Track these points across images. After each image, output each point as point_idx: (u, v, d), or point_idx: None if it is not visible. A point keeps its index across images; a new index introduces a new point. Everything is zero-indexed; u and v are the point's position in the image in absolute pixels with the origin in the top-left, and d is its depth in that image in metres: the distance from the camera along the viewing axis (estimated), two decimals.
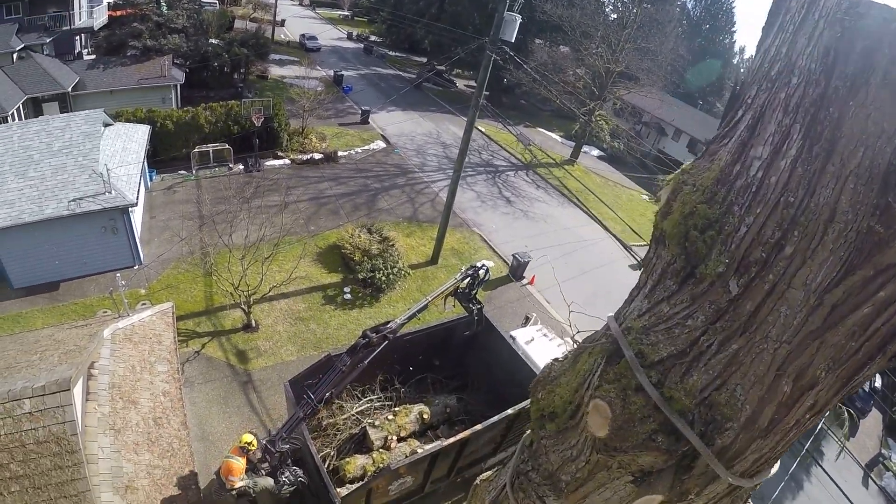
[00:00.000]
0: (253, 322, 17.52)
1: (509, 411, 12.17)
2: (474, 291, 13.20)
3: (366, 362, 10.59)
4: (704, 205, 1.79)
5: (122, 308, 12.59)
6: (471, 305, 13.33)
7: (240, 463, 9.92)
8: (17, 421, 8.29)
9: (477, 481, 4.10)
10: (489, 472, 4.14)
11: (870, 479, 23.84)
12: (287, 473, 10.33)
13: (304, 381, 11.20)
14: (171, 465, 10.13)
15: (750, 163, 1.71)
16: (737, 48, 69.96)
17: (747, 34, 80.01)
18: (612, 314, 2.38)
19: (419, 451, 12.14)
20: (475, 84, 55.21)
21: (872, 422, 28.87)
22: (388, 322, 10.99)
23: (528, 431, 3.05)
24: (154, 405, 10.74)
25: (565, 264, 27.47)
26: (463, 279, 12.79)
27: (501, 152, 39.29)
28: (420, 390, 15.01)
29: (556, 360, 2.71)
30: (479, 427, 11.68)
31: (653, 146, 52.02)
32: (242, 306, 16.95)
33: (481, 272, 12.83)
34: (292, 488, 10.32)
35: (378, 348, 10.63)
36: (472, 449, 12.39)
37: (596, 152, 47.29)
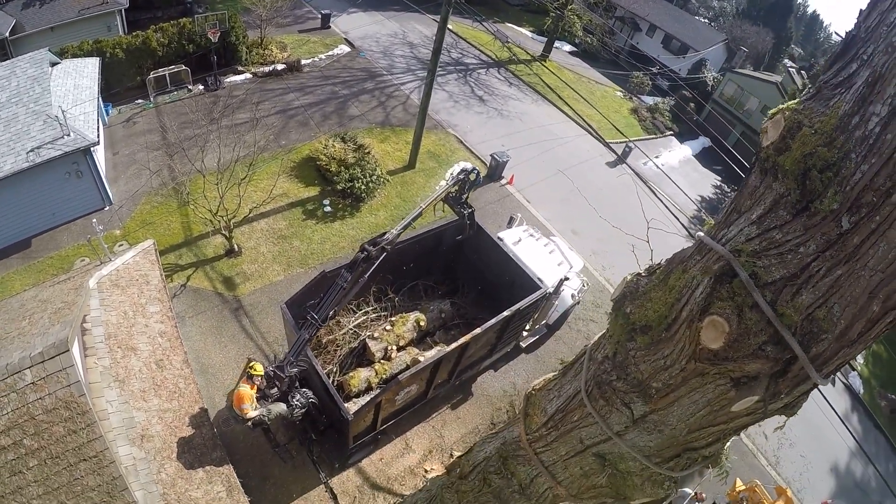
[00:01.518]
0: (235, 246, 17.31)
1: (506, 313, 12.45)
2: (465, 196, 13.11)
3: (366, 276, 10.57)
4: (824, 148, 2.04)
5: (102, 254, 12.17)
6: (462, 210, 13.26)
7: (249, 391, 10.04)
8: (22, 394, 8.05)
9: (530, 390, 4.32)
10: (541, 381, 4.35)
11: (836, 377, 25.30)
12: (298, 396, 10.50)
13: (300, 301, 11.24)
14: (181, 405, 10.21)
15: (868, 117, 1.94)
16: None
17: None
18: (703, 233, 2.66)
19: (420, 359, 12.51)
20: None
21: None
22: (384, 233, 10.91)
23: (604, 343, 3.23)
24: (153, 348, 10.68)
25: (543, 162, 27.41)
26: (454, 184, 12.63)
27: (471, 50, 37.95)
28: (413, 297, 15.26)
29: (639, 275, 3.00)
30: (478, 331, 12.02)
31: (626, 41, 50.70)
32: (223, 232, 16.64)
33: (472, 176, 12.67)
34: (303, 410, 10.55)
35: (377, 261, 10.59)
36: (470, 352, 12.83)
37: (568, 48, 46.00)
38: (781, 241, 2.23)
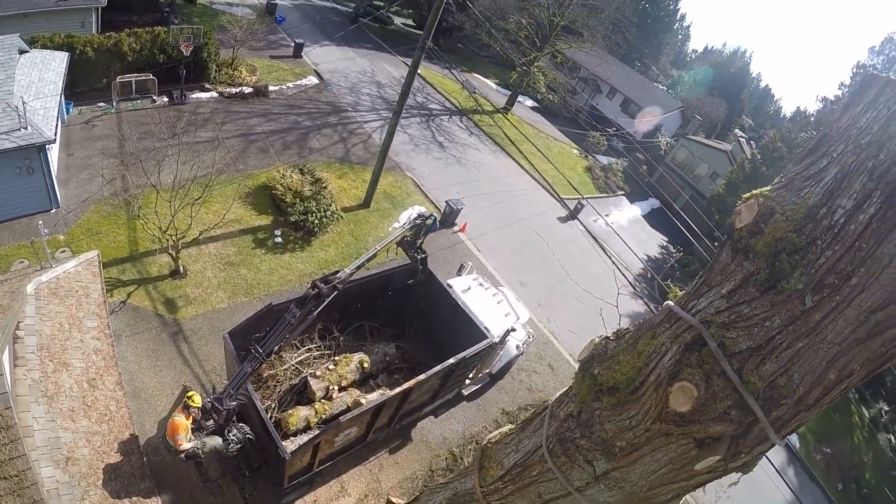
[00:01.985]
0: (181, 268, 16.77)
1: (451, 360, 12.51)
2: (420, 241, 13.22)
3: (315, 314, 10.43)
4: (794, 234, 2.28)
5: (43, 258, 11.59)
6: (415, 254, 13.35)
7: (185, 422, 9.62)
8: None
9: (486, 443, 4.34)
10: (496, 434, 4.38)
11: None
12: (234, 431, 10.08)
13: (244, 333, 10.98)
14: (111, 429, 9.67)
15: (835, 209, 2.20)
16: (679, 14, 71.32)
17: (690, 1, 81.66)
18: (672, 303, 2.87)
19: (362, 401, 12.32)
20: (413, 23, 53.76)
21: None
22: (337, 272, 10.86)
23: (567, 402, 3.34)
24: (87, 365, 10.13)
25: (496, 213, 27.90)
26: (410, 228, 12.72)
27: (436, 95, 38.77)
28: (358, 338, 15.07)
29: (607, 338, 3.21)
30: (422, 377, 12.03)
31: (587, 102, 52.71)
32: (170, 251, 16.12)
33: (428, 221, 12.82)
34: (239, 445, 10.15)
35: (328, 299, 10.49)
36: (413, 397, 12.75)
37: (530, 102, 47.58)
38: (749, 315, 2.43)
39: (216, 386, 14.00)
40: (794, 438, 26.91)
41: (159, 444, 10.90)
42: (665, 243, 37.37)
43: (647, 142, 46.46)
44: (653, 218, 39.55)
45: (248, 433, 10.19)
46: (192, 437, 9.75)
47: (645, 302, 25.33)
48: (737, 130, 54.70)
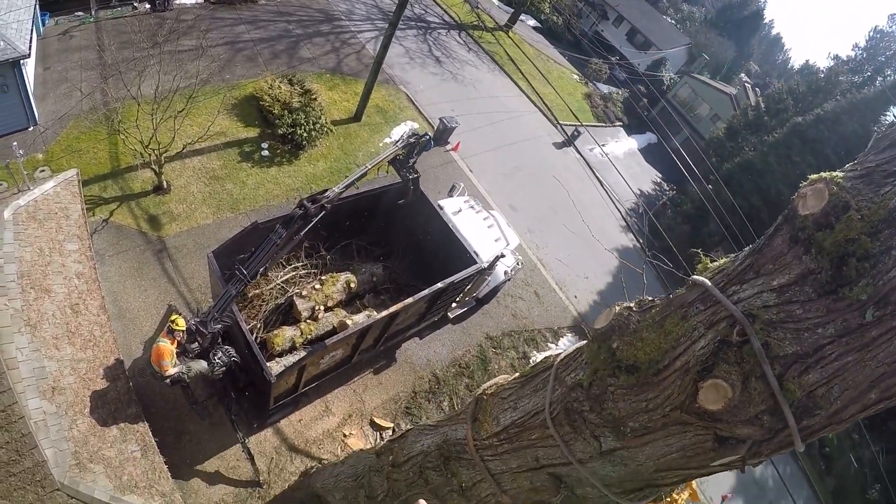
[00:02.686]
0: (164, 183, 16.10)
1: (439, 285, 12.28)
2: (412, 160, 12.68)
3: (301, 234, 10.03)
4: (868, 237, 2.02)
5: (20, 180, 10.99)
6: (407, 174, 12.86)
7: (170, 346, 9.39)
8: None
9: (480, 393, 4.15)
10: (491, 385, 4.18)
11: None
12: (220, 354, 9.94)
13: (228, 252, 10.59)
14: (95, 355, 9.46)
15: None
16: None
17: None
18: (707, 281, 2.61)
19: (348, 322, 12.18)
20: None
21: None
22: (326, 191, 10.30)
23: (576, 369, 3.14)
24: (69, 290, 9.80)
25: (490, 133, 27.25)
26: (403, 147, 12.19)
27: (435, 8, 36.98)
28: (345, 257, 14.75)
29: (630, 308, 2.93)
30: (410, 300, 11.81)
31: (592, 27, 50.74)
32: (153, 166, 15.39)
33: (423, 140, 12.25)
34: (224, 368, 10.05)
35: (315, 219, 10.04)
36: (399, 320, 12.63)
37: (532, 22, 45.71)
38: (801, 318, 2.21)
39: (201, 306, 13.81)
40: None
41: (145, 367, 10.77)
42: (659, 179, 37.06)
43: (651, 74, 45.10)
44: (649, 153, 39.06)
45: (233, 356, 10.08)
46: (178, 362, 9.61)
47: (635, 236, 25.27)
48: (742, 75, 53.23)
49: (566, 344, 20.08)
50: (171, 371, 9.37)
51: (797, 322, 2.20)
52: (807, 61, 67.00)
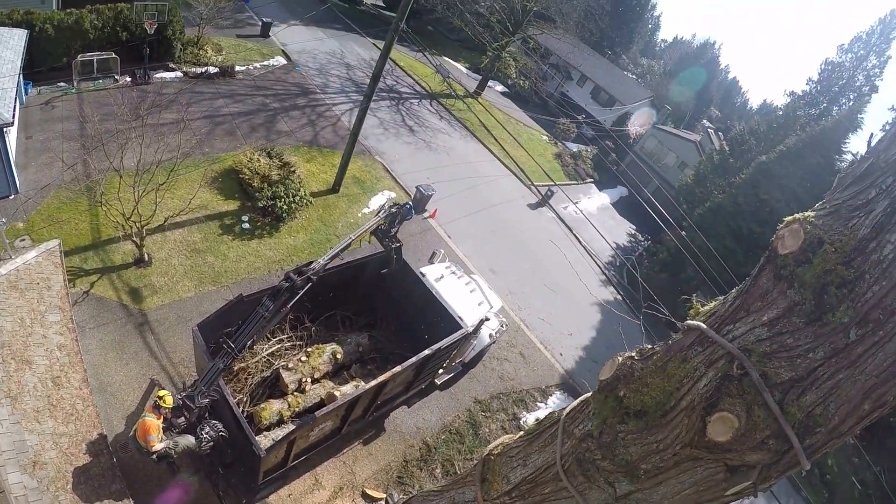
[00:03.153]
0: (146, 256, 16.12)
1: (427, 352, 12.30)
2: (395, 230, 12.90)
3: (289, 307, 10.05)
4: (842, 266, 2.27)
5: (2, 249, 10.96)
6: (390, 244, 13.05)
7: (156, 422, 9.25)
8: None
9: (487, 454, 4.16)
10: (497, 445, 4.20)
11: None
12: (207, 429, 9.73)
13: (213, 325, 10.55)
14: (78, 430, 9.24)
15: (884, 244, 2.22)
16: (650, 3, 71.76)
17: None
18: (702, 325, 2.81)
19: (336, 394, 12.07)
20: (383, 3, 52.91)
21: None
22: (311, 262, 10.41)
23: (584, 420, 3.30)
24: (50, 363, 9.66)
25: (466, 199, 27.75)
26: (385, 217, 12.42)
27: (406, 78, 38.25)
28: (330, 328, 14.72)
29: (632, 358, 3.08)
30: (398, 369, 11.81)
31: (557, 88, 52.67)
32: (134, 238, 15.42)
33: (403, 210, 12.50)
34: (212, 443, 9.82)
35: (302, 291, 10.08)
36: (388, 389, 12.56)
37: (500, 88, 47.39)
38: (792, 346, 2.42)
39: (184, 380, 13.59)
40: None
41: (129, 441, 10.47)
42: (633, 231, 37.78)
43: (617, 129, 46.78)
44: (621, 206, 39.99)
45: (221, 430, 9.86)
46: (164, 437, 9.43)
47: (616, 289, 25.57)
48: (705, 121, 55.54)
49: (556, 402, 19.96)
50: (159, 446, 9.18)
51: (789, 350, 2.41)
52: (764, 100, 70.20)
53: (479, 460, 4.44)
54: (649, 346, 3.10)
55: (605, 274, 25.27)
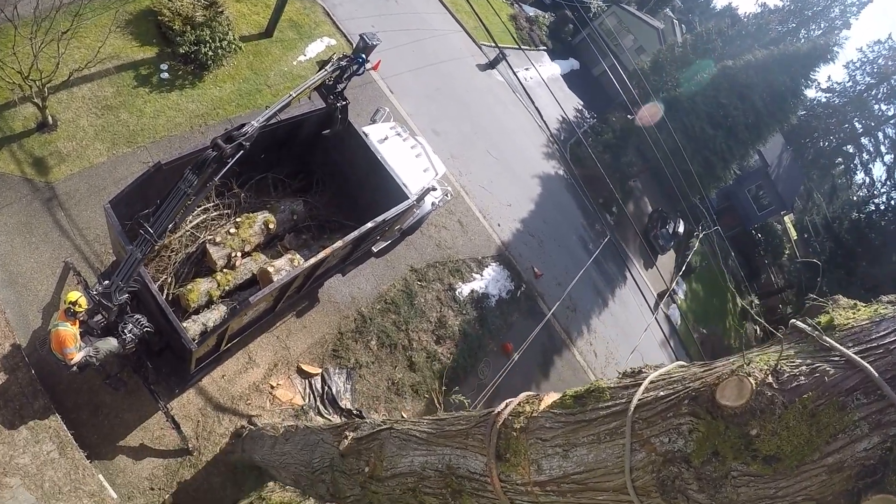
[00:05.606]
0: (49, 118, 13.76)
1: (370, 224, 11.44)
2: (342, 86, 11.40)
3: (216, 179, 8.77)
4: None
5: None
6: (335, 102, 11.57)
7: (72, 330, 8.30)
8: None
9: (501, 424, 3.77)
10: (515, 411, 3.81)
11: (660, 307, 28.51)
12: (130, 326, 8.82)
13: (128, 200, 9.21)
14: None
15: None
16: None
17: None
18: (870, 367, 2.24)
19: (269, 268, 11.35)
20: None
21: (668, 260, 33.47)
22: (243, 125, 8.89)
23: (674, 438, 2.76)
24: None
25: (413, 53, 25.94)
26: (334, 70, 10.83)
27: None
28: (260, 193, 13.37)
29: (771, 386, 2.46)
30: (339, 244, 11.01)
31: None
32: (35, 99, 13.06)
33: (355, 64, 11.03)
34: (137, 341, 9.02)
35: (232, 160, 8.73)
36: (326, 263, 11.79)
37: None
38: None
39: (102, 259, 12.46)
40: (676, 315, 29.40)
41: (47, 337, 9.49)
42: (580, 107, 36.95)
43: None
44: (571, 79, 38.79)
45: (146, 326, 9.10)
46: (83, 344, 8.62)
47: (559, 163, 25.27)
48: (667, 10, 52.91)
49: (491, 274, 20.19)
50: (78, 357, 8.42)
51: None
52: (730, 3, 67.41)
53: (489, 427, 3.75)
54: (787, 369, 2.49)
55: (549, 146, 24.80)
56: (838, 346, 2.41)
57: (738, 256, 39.63)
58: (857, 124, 53.66)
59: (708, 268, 33.81)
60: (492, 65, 28.32)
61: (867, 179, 54.78)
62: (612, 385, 3.35)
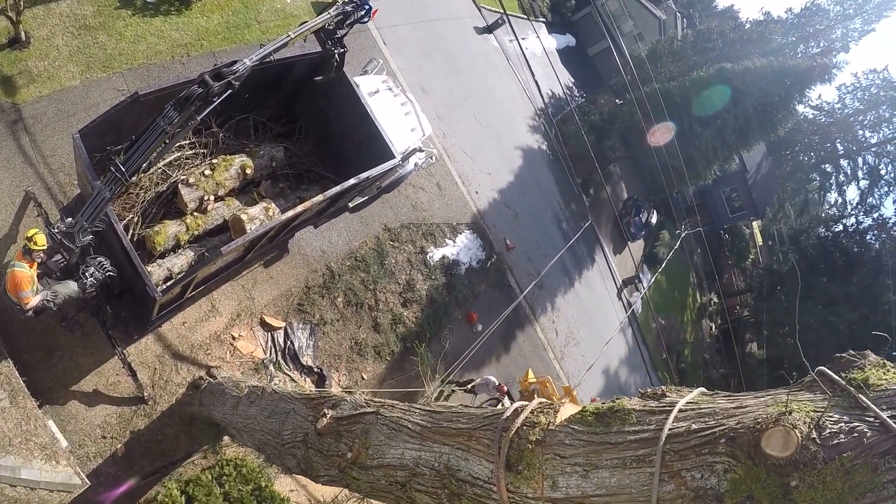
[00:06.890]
0: (22, 34, 12.63)
1: (352, 181, 11.03)
2: (343, 32, 10.70)
3: (199, 118, 8.19)
4: None
5: None
6: (333, 49, 10.91)
7: (29, 272, 7.76)
8: None
9: (513, 433, 3.68)
10: (527, 419, 3.68)
11: (622, 294, 28.90)
12: (92, 269, 8.32)
13: (100, 131, 8.56)
14: None
15: None
16: None
17: None
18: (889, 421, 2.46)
19: (242, 216, 10.87)
20: None
21: (637, 248, 33.80)
22: (234, 62, 8.27)
23: (706, 472, 2.82)
24: None
25: (410, 5, 25.07)
26: (336, 15, 10.11)
27: None
28: (240, 135, 12.56)
29: (815, 441, 2.56)
30: (318, 198, 10.59)
31: None
32: (8, 13, 11.92)
33: (360, 12, 10.36)
34: (98, 285, 8.56)
35: (219, 99, 8.14)
36: (301, 217, 11.42)
37: None
38: None
39: (66, 191, 11.68)
40: (638, 304, 29.94)
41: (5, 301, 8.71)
42: (571, 84, 36.52)
43: None
44: (565, 55, 38.27)
45: (108, 270, 8.61)
46: (40, 287, 8.12)
47: (543, 138, 24.94)
48: (671, 2, 52.18)
49: (464, 241, 20.03)
50: (34, 301, 7.94)
51: None
52: (732, 6, 66.90)
53: (498, 434, 3.60)
54: (830, 425, 2.57)
55: (535, 119, 24.45)
56: (875, 408, 2.51)
57: (703, 254, 40.42)
58: (839, 145, 54.41)
59: (673, 260, 34.31)
60: (489, 29, 27.62)
61: (840, 200, 56.05)
62: (636, 407, 3.31)
